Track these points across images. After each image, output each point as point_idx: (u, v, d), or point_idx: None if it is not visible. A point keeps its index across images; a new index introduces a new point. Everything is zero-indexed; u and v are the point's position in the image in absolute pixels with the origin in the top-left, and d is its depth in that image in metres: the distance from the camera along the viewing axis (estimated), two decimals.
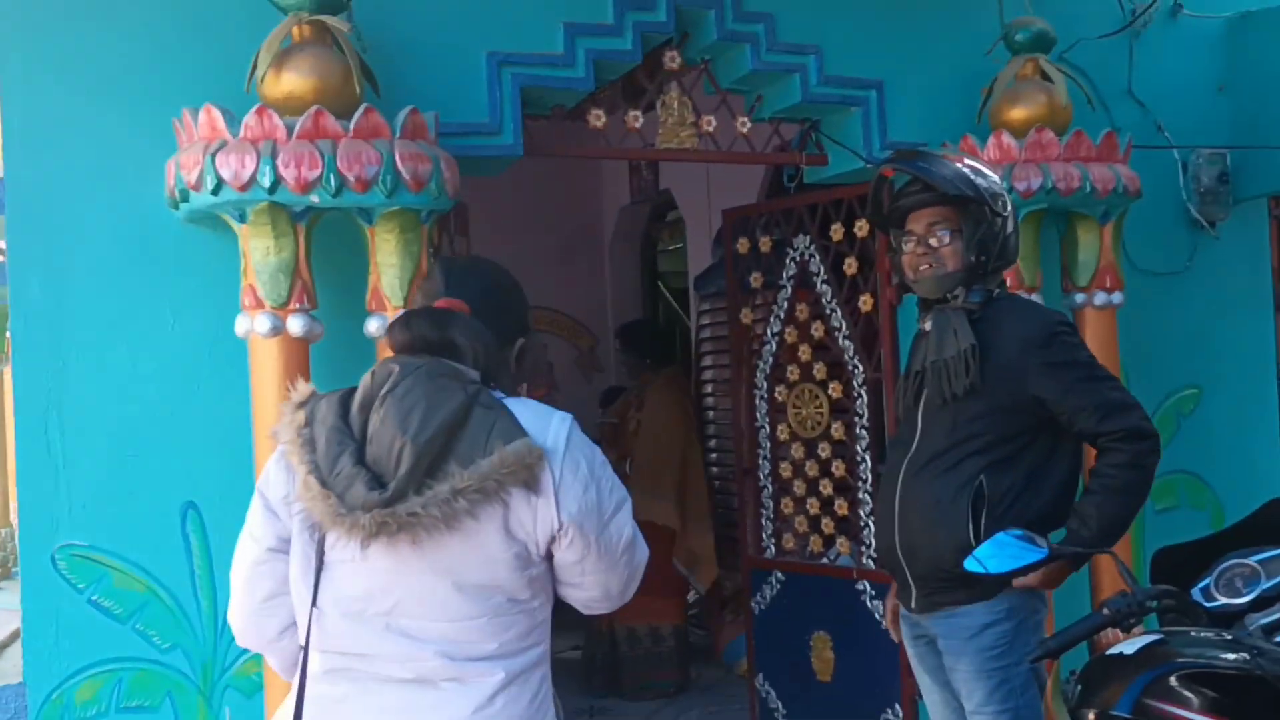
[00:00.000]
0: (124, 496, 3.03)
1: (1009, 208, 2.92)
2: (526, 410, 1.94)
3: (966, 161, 3.00)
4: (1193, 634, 2.35)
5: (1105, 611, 2.41)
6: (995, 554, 2.62)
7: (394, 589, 1.89)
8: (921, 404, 2.97)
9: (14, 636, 4.02)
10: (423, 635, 1.89)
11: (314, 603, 1.92)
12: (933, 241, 2.90)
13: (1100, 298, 3.86)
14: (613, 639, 5.37)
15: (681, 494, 5.32)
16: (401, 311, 2.82)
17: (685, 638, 5.50)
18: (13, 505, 10.66)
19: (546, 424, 1.93)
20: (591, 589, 2.02)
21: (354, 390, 1.94)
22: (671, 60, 3.79)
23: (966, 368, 2.84)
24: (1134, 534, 4.06)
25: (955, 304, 2.91)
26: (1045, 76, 3.79)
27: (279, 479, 1.95)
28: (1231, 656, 2.22)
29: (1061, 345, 2.84)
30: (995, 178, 2.95)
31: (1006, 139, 3.70)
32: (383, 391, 1.89)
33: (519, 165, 3.59)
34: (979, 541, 2.73)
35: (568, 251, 7.55)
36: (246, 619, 2.03)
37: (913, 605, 2.94)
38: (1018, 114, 3.75)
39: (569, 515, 1.90)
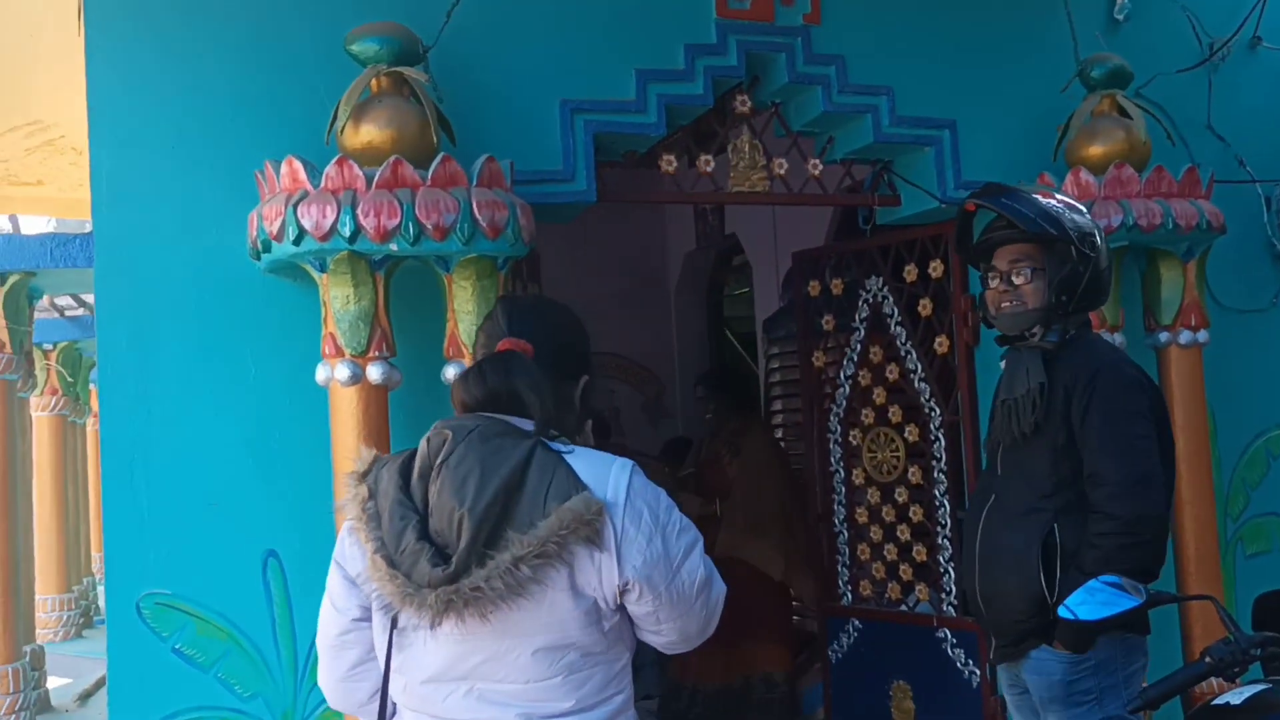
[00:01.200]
0: (206, 545, 3.05)
1: (1099, 246, 2.88)
2: (584, 461, 1.91)
3: (1058, 198, 2.98)
4: None
5: (1208, 660, 2.33)
6: (1086, 601, 2.55)
7: (469, 656, 1.89)
8: (1000, 446, 2.93)
9: (99, 684, 4.08)
10: (501, 699, 1.89)
11: (387, 674, 1.95)
12: (1015, 279, 2.89)
13: (1185, 336, 3.78)
14: (694, 693, 5.25)
15: (785, 541, 5.20)
16: (467, 365, 2.86)
17: (793, 685, 5.36)
18: (96, 555, 10.90)
19: (606, 474, 1.90)
20: (670, 634, 2.00)
21: (414, 455, 1.94)
22: (742, 104, 3.79)
23: (1033, 406, 2.80)
24: (1226, 580, 3.94)
25: (1031, 342, 2.88)
26: (1123, 112, 3.73)
27: (353, 553, 1.97)
28: None
29: (1101, 387, 2.78)
30: (1087, 216, 2.92)
31: (1085, 176, 3.64)
32: (439, 460, 1.88)
33: (587, 211, 3.60)
34: (1054, 592, 2.71)
35: (633, 297, 7.56)
36: (335, 686, 2.06)
37: (992, 655, 2.93)
38: (1096, 150, 3.69)
39: (634, 570, 1.87)
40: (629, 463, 1.94)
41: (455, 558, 1.81)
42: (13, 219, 6.78)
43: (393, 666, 1.95)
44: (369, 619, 1.98)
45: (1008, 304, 2.90)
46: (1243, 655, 2.33)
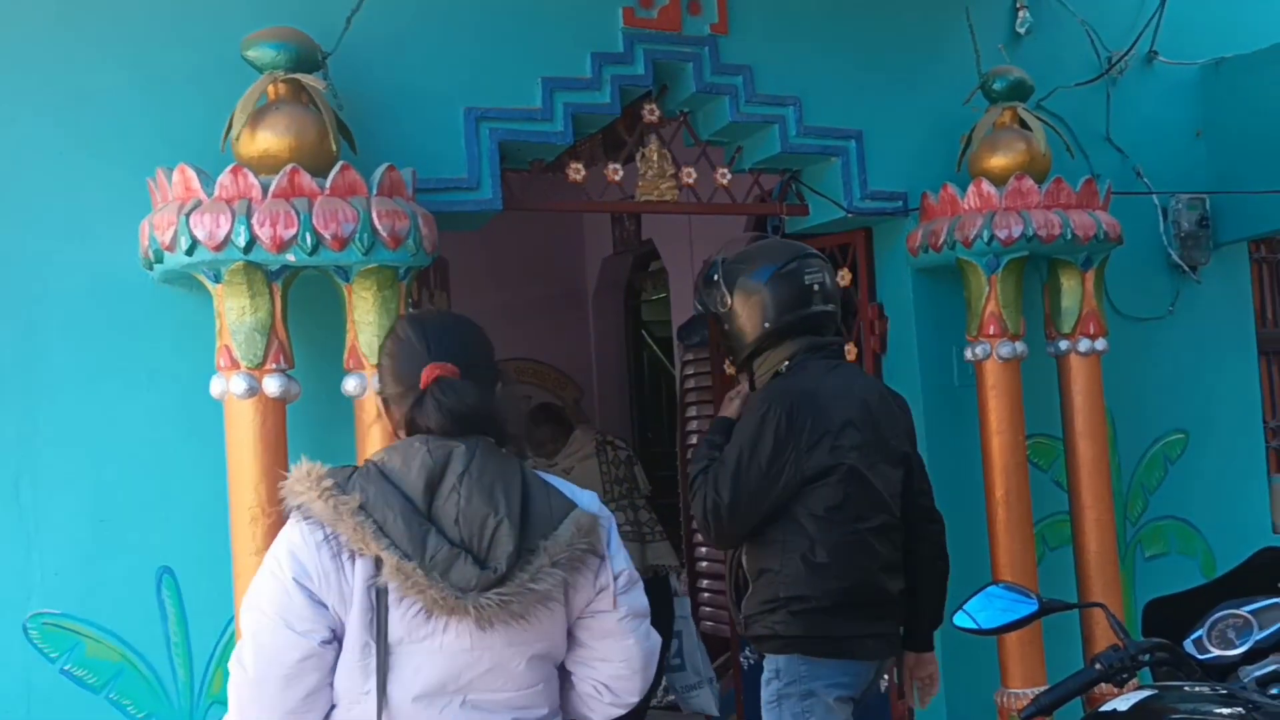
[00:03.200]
0: (97, 562, 2.96)
1: (714, 294, 3.21)
2: (553, 479, 2.06)
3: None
4: (1186, 688, 2.30)
5: (1098, 666, 2.38)
6: (985, 608, 2.59)
7: (476, 665, 1.93)
8: None
9: None
10: (493, 707, 1.96)
11: (382, 695, 1.89)
12: None
13: (1084, 344, 3.85)
14: None
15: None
16: (367, 377, 2.84)
17: None
18: None
19: (578, 491, 2.06)
20: (618, 662, 2.06)
21: (385, 471, 1.92)
22: (650, 113, 3.79)
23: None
24: (1125, 582, 4.03)
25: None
26: (1024, 124, 3.80)
27: (326, 568, 1.89)
28: (1227, 711, 2.17)
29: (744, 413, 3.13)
30: (707, 266, 3.27)
31: (987, 187, 3.70)
32: (459, 471, 1.91)
33: (499, 218, 3.57)
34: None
35: (551, 303, 7.54)
36: (281, 718, 1.92)
37: None
38: (997, 162, 3.75)
39: (618, 568, 2.03)
40: (600, 502, 2.09)
41: (504, 559, 1.87)
42: None
43: (370, 688, 1.90)
44: (335, 641, 1.90)
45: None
46: (1131, 661, 2.37)
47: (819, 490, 2.98)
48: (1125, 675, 2.38)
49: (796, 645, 2.99)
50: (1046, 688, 2.45)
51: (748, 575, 3.12)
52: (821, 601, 2.97)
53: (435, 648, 1.90)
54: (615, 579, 2.02)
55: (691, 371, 6.06)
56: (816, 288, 3.13)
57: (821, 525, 2.98)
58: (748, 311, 3.13)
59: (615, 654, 2.06)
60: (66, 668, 2.92)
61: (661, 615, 5.04)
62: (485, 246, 6.11)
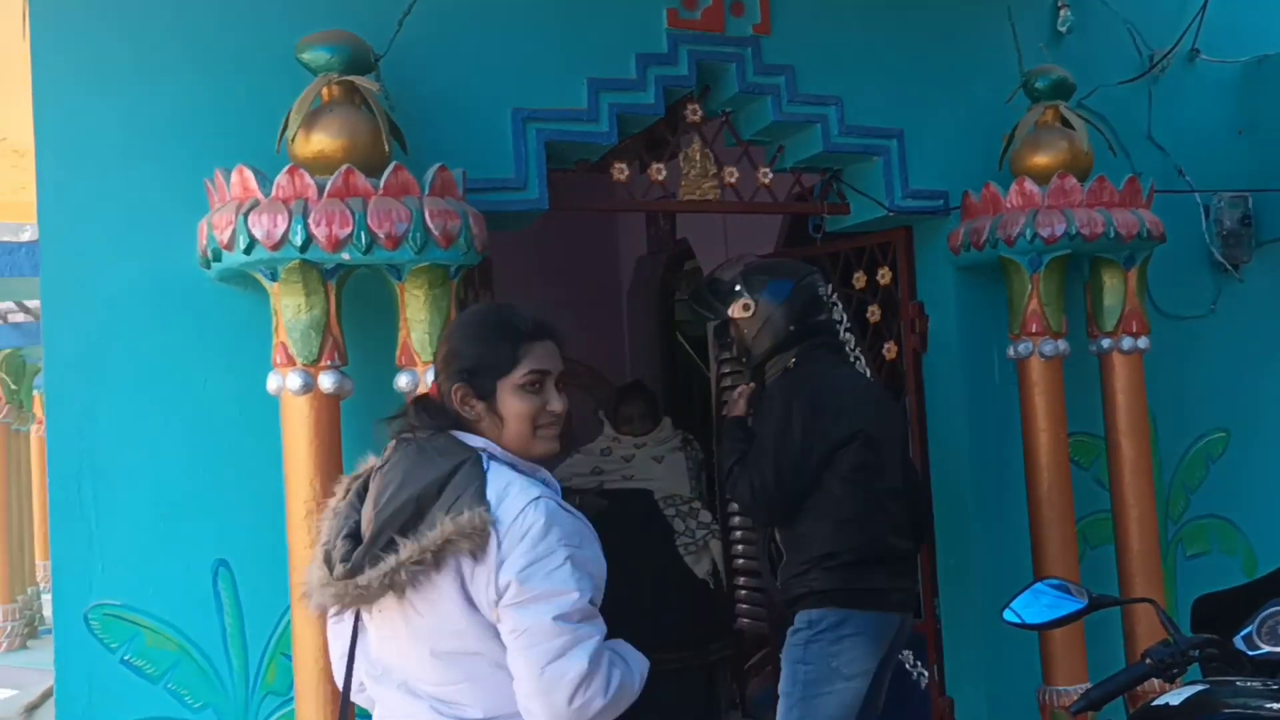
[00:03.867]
0: (156, 555, 3.02)
1: (751, 306, 3.55)
2: (501, 480, 1.97)
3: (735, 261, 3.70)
4: (1238, 684, 2.31)
5: (1148, 661, 2.38)
6: (1031, 604, 2.60)
7: (391, 653, 2.04)
8: None
9: (45, 696, 4.03)
10: (422, 693, 2.02)
11: (350, 669, 2.10)
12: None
13: (1126, 343, 3.85)
14: None
15: None
16: (419, 373, 2.92)
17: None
18: (40, 564, 10.71)
19: (511, 495, 1.95)
20: (519, 679, 1.92)
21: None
22: (693, 113, 3.82)
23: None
24: (1167, 581, 4.02)
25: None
26: (1066, 123, 3.81)
27: None
28: (1278, 706, 2.18)
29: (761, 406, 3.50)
30: (724, 277, 3.65)
31: (1029, 186, 3.71)
32: (378, 468, 2.07)
33: (538, 218, 3.61)
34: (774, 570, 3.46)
35: (585, 302, 7.56)
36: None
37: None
38: (1040, 160, 3.76)
39: (504, 579, 1.91)
40: (544, 496, 1.96)
41: (354, 556, 1.96)
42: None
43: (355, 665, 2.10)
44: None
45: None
46: (1181, 657, 2.37)
47: (844, 454, 3.36)
48: (1175, 671, 2.38)
49: (830, 598, 3.33)
50: (1096, 683, 2.45)
51: (781, 546, 3.46)
52: (849, 556, 3.33)
53: (370, 631, 2.08)
54: (501, 589, 1.90)
55: (728, 370, 6.06)
56: (824, 299, 3.67)
57: (847, 486, 3.35)
58: (774, 316, 3.53)
59: (515, 669, 1.93)
60: (126, 658, 2.98)
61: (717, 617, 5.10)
62: (521, 246, 6.14)
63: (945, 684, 4.04)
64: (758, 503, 3.38)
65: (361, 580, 1.93)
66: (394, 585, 1.91)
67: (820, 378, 3.46)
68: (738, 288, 3.59)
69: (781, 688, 3.40)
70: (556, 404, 2.09)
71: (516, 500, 1.95)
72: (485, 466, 1.99)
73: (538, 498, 1.95)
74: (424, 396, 2.20)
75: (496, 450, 2.05)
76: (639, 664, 2.03)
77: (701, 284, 3.81)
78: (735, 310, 3.58)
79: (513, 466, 2.04)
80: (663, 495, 5.00)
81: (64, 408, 2.99)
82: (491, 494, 1.95)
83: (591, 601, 1.94)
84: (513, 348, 2.07)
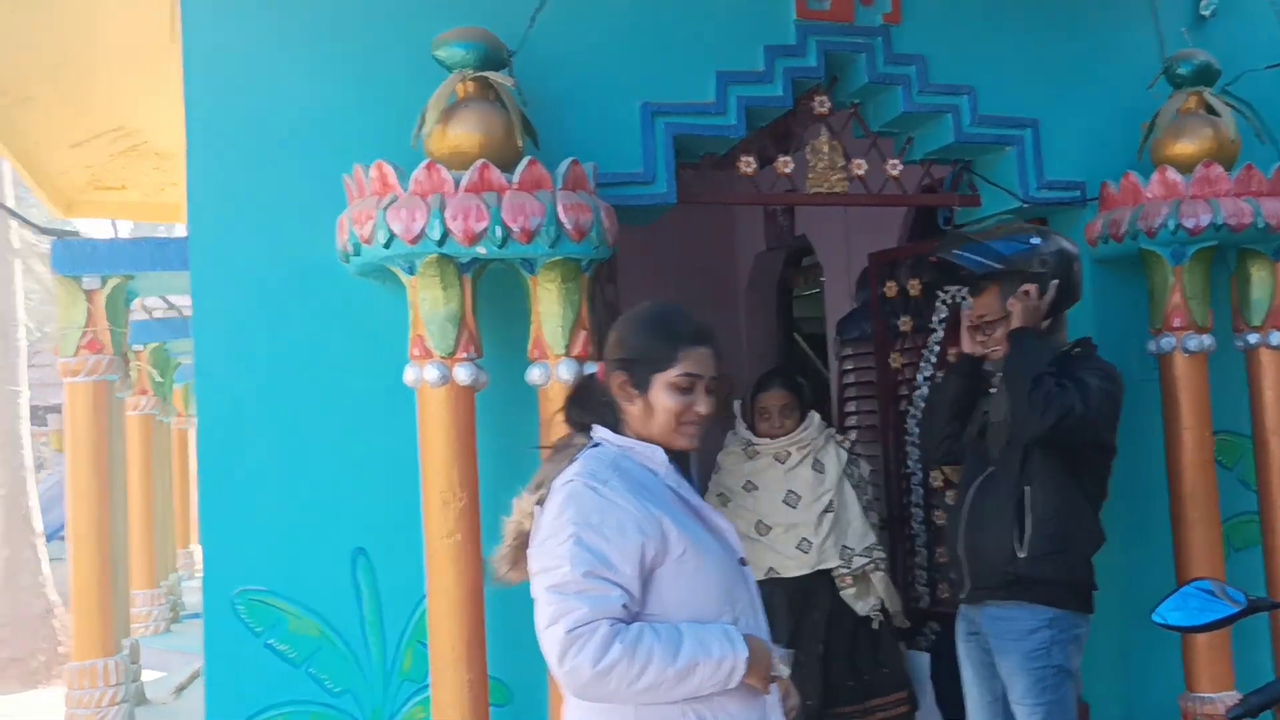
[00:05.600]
0: (297, 543, 3.11)
1: (1048, 264, 3.28)
2: (574, 467, 2.14)
3: (1008, 228, 3.45)
4: None
5: None
6: (1181, 607, 2.52)
7: None
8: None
9: (193, 677, 4.20)
10: None
11: None
12: (987, 331, 3.36)
13: (1275, 337, 3.71)
14: None
15: None
16: (551, 366, 3.06)
17: None
18: (180, 551, 11.14)
19: (560, 479, 2.14)
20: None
21: None
22: (821, 104, 3.78)
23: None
24: None
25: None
26: (1210, 110, 3.67)
27: None
28: None
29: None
30: (1029, 240, 3.33)
31: (1172, 175, 3.59)
32: None
33: (664, 213, 3.62)
34: (1023, 546, 3.21)
35: (703, 298, 7.54)
36: None
37: (963, 596, 3.38)
38: (1183, 149, 3.63)
39: (529, 553, 2.13)
40: (578, 479, 2.10)
41: None
42: (112, 224, 7.01)
43: None
44: None
45: (986, 350, 3.37)
46: None
47: (1112, 438, 3.30)
48: None
49: (1077, 598, 3.23)
50: (1256, 688, 2.36)
51: (1031, 514, 3.22)
52: (1094, 551, 3.26)
53: None
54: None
55: (851, 366, 5.99)
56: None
57: (1106, 478, 3.32)
58: (1070, 285, 3.33)
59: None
60: (270, 642, 3.07)
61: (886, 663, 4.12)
62: (639, 241, 6.16)
63: (1081, 688, 3.93)
64: (1058, 421, 3.07)
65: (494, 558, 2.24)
66: (514, 564, 2.19)
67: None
68: (1044, 252, 3.31)
69: (1025, 696, 3.20)
70: (703, 407, 2.21)
71: (557, 485, 2.12)
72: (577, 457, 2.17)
73: (570, 481, 2.10)
74: (584, 386, 2.31)
75: (611, 438, 2.19)
76: (689, 648, 2.03)
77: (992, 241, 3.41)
78: (1041, 272, 3.29)
79: (626, 450, 2.18)
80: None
81: (213, 399, 3.09)
82: (559, 478, 2.14)
83: (589, 575, 2.02)
84: (673, 348, 2.19)
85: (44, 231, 6.25)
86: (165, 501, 9.58)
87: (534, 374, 3.10)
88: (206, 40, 3.14)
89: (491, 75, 3.06)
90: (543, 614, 2.02)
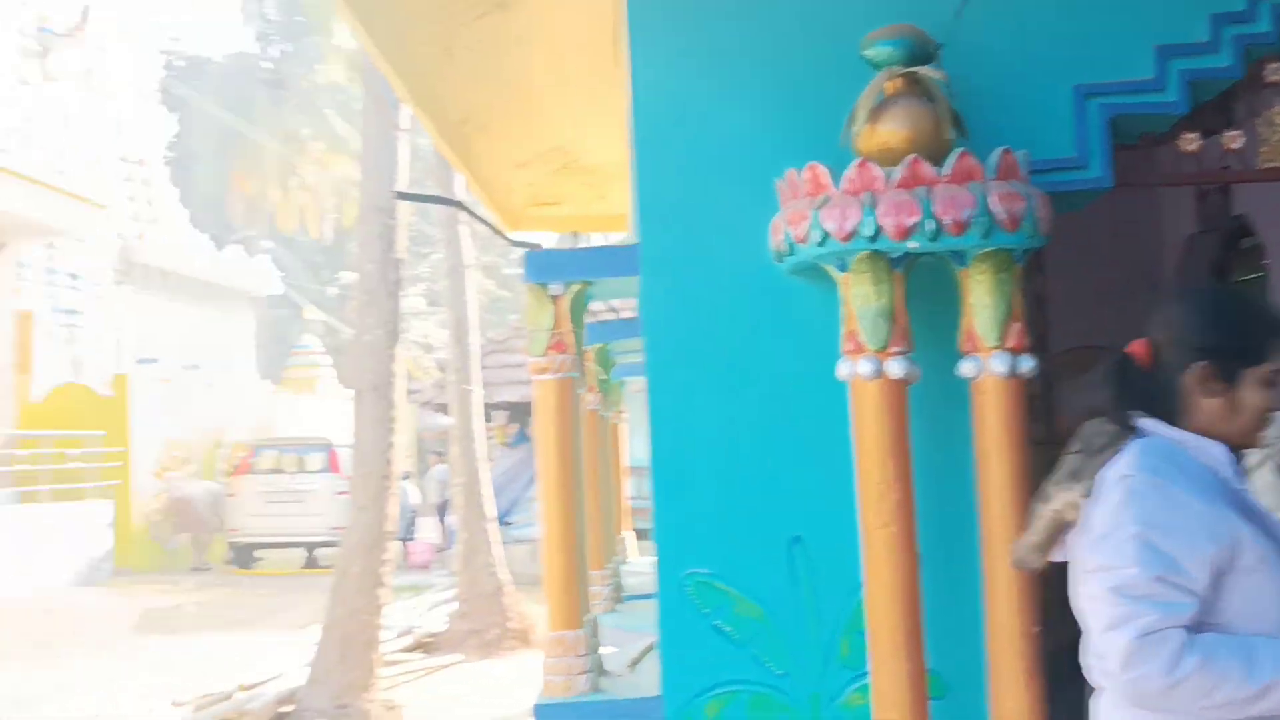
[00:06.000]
0: (737, 528, 3.27)
1: None
2: (1125, 458, 2.08)
3: None
4: None
5: None
6: None
7: None
8: None
9: (645, 652, 4.58)
10: None
11: None
12: None
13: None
14: None
15: None
16: (982, 359, 3.03)
17: None
18: (618, 538, 12.04)
19: (1111, 470, 2.08)
20: (1090, 642, 2.04)
21: None
22: (1274, 72, 3.49)
23: None
24: None
25: None
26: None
27: None
28: None
29: None
30: None
31: None
32: None
33: (1094, 199, 3.48)
34: None
35: (1126, 285, 7.12)
36: None
37: None
38: None
39: (1085, 546, 2.08)
40: (1137, 474, 2.03)
41: None
42: (574, 235, 7.70)
43: None
44: None
45: None
46: None
47: None
48: None
49: None
50: None
51: None
52: None
53: None
54: (1083, 555, 2.08)
55: None
56: None
57: None
58: None
59: (1086, 627, 2.08)
60: (716, 622, 3.26)
61: None
62: (1060, 228, 5.91)
63: None
64: None
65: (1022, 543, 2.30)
66: (1045, 550, 2.19)
67: None
68: None
69: None
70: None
71: (1110, 478, 2.04)
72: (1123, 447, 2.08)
73: (1128, 475, 2.02)
74: (1124, 370, 2.20)
75: (1164, 430, 2.10)
76: (1268, 666, 1.88)
77: None
78: None
79: (1180, 444, 2.09)
80: None
81: (664, 394, 3.32)
82: (1109, 470, 2.07)
83: (1160, 579, 1.93)
84: (1271, 340, 2.09)
85: (516, 244, 7.00)
86: (610, 489, 10.30)
87: (966, 367, 3.09)
88: (651, 66, 3.38)
89: (923, 70, 3.08)
90: (1103, 615, 1.96)
